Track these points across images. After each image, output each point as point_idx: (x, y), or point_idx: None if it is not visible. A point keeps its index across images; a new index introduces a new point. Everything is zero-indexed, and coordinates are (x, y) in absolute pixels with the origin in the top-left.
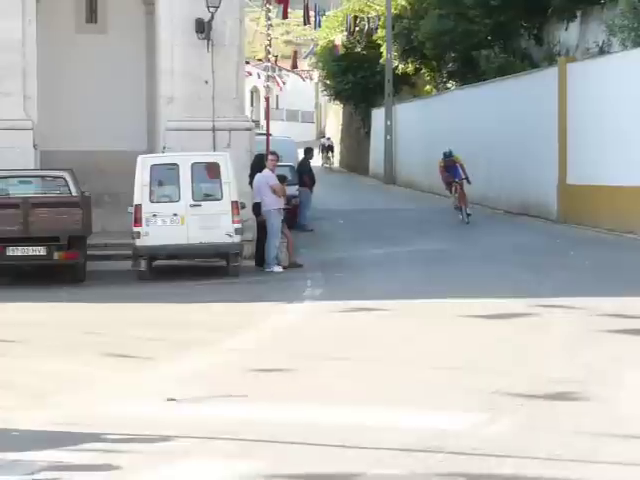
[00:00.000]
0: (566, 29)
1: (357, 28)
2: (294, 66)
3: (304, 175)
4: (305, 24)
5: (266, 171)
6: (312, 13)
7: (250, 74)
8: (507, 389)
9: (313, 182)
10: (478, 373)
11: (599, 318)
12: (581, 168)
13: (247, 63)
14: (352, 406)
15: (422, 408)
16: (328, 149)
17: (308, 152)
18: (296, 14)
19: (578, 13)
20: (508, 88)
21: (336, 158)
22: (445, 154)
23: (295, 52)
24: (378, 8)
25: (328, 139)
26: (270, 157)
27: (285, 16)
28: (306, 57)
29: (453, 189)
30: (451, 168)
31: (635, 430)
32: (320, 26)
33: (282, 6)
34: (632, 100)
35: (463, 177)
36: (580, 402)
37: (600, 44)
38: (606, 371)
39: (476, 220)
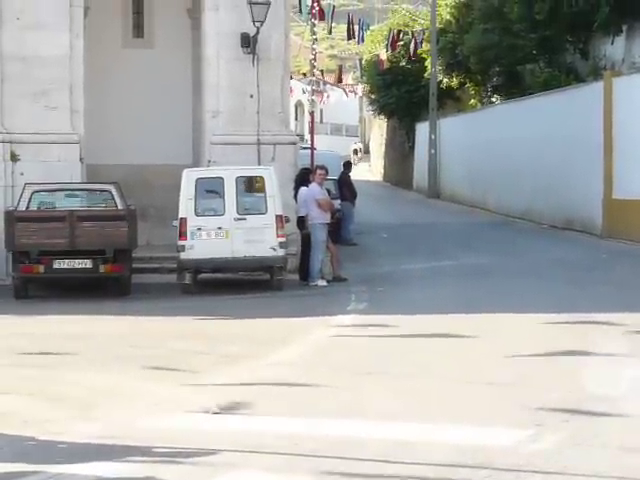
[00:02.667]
0: (612, 43)
1: (401, 42)
2: (339, 80)
3: (345, 189)
4: (349, 39)
5: (313, 185)
6: (356, 27)
7: (292, 91)
8: (551, 405)
9: (354, 196)
10: (521, 389)
11: None
12: (627, 183)
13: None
14: (394, 421)
15: (465, 424)
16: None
17: (347, 166)
18: (340, 28)
19: (624, 27)
20: (553, 102)
21: (379, 172)
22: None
23: (340, 67)
24: (423, 22)
25: (355, 143)
26: (319, 171)
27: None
28: (362, 75)
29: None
30: None
31: None
32: (364, 41)
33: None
34: None
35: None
36: (625, 418)
37: None
38: None
39: (520, 234)
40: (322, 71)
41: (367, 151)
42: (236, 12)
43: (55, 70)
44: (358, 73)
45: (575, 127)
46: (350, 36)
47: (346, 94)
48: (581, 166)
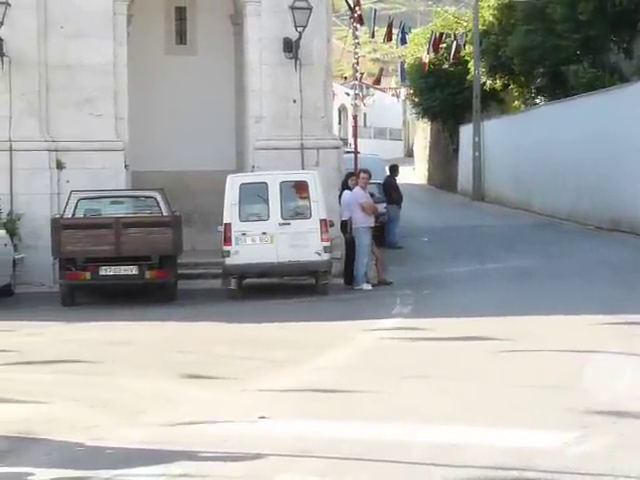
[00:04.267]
0: None
1: (444, 45)
2: (377, 82)
3: (392, 192)
4: (388, 41)
5: (357, 189)
6: (395, 30)
7: (335, 95)
8: (599, 407)
9: (400, 199)
10: (568, 391)
11: None
12: None
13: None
14: (440, 424)
15: (510, 426)
16: None
17: (393, 169)
18: (383, 32)
19: None
20: (598, 103)
21: (424, 175)
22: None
23: (381, 69)
24: (465, 24)
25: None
26: (362, 175)
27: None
28: (402, 79)
29: None
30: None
31: None
32: (404, 43)
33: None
34: None
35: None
36: None
37: None
38: None
39: (566, 236)
40: (362, 75)
41: (411, 154)
42: (278, 17)
43: (99, 78)
44: (399, 77)
45: (620, 128)
46: (389, 38)
47: (393, 95)
48: (627, 167)
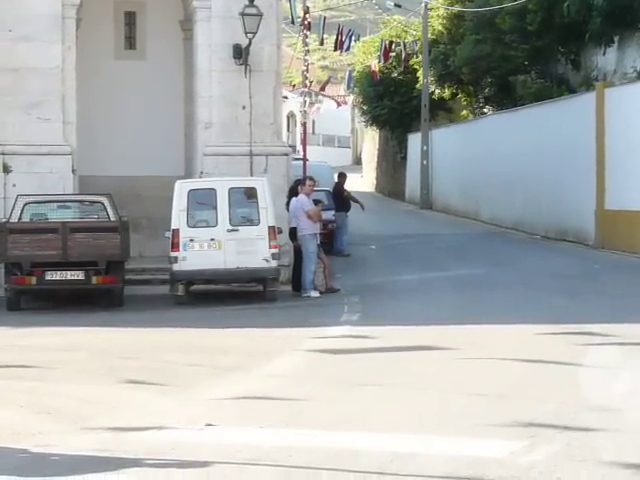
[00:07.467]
0: (604, 54)
1: (393, 53)
2: (322, 89)
3: (346, 199)
4: (335, 49)
5: (302, 196)
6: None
7: (286, 97)
8: (545, 417)
9: (348, 207)
10: (515, 400)
11: (637, 346)
12: (620, 193)
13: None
14: (389, 433)
15: (458, 435)
16: None
17: (341, 176)
18: (332, 39)
19: (616, 38)
20: (545, 113)
21: (372, 183)
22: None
23: (329, 77)
24: (415, 33)
25: None
26: (307, 182)
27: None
28: (348, 86)
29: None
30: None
31: None
32: (349, 50)
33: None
34: None
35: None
36: (619, 432)
37: (638, 69)
38: None
39: (513, 245)
40: (311, 82)
41: (359, 162)
42: (228, 24)
43: (47, 82)
44: (346, 85)
45: (567, 138)
46: (337, 47)
47: (338, 104)
48: (573, 177)
